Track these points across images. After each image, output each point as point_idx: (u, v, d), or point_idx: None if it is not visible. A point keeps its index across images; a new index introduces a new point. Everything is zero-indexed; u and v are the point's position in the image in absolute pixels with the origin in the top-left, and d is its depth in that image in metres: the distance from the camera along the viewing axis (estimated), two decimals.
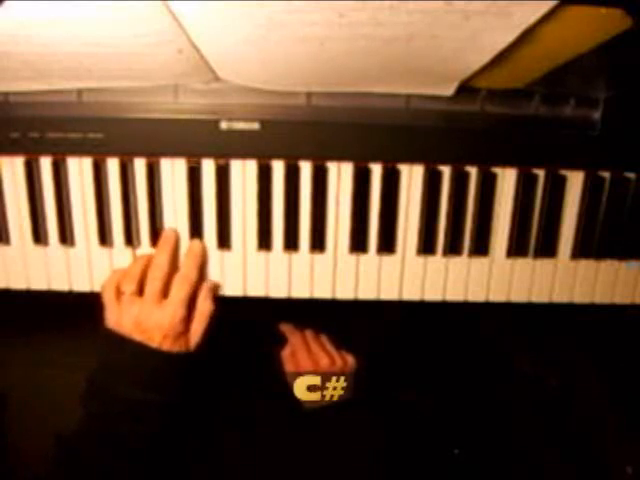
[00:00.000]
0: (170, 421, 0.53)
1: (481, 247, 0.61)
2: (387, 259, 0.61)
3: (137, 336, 0.53)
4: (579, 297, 0.63)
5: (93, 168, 0.58)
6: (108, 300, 0.55)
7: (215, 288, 0.59)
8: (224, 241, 0.60)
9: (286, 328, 0.71)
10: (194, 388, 0.56)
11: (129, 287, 0.54)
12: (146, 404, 0.52)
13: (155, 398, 0.52)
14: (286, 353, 0.69)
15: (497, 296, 0.63)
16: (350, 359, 0.67)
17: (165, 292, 0.55)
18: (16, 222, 0.59)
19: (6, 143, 0.56)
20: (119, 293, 0.55)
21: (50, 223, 0.59)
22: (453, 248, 0.61)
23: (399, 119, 0.59)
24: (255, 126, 0.56)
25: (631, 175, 0.61)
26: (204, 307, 0.57)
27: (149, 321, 0.53)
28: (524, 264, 0.62)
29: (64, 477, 0.51)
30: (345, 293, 0.62)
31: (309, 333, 0.71)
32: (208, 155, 0.58)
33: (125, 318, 0.53)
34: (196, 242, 0.59)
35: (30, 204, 0.59)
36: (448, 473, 0.70)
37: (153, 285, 0.54)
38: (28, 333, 0.74)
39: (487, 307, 0.63)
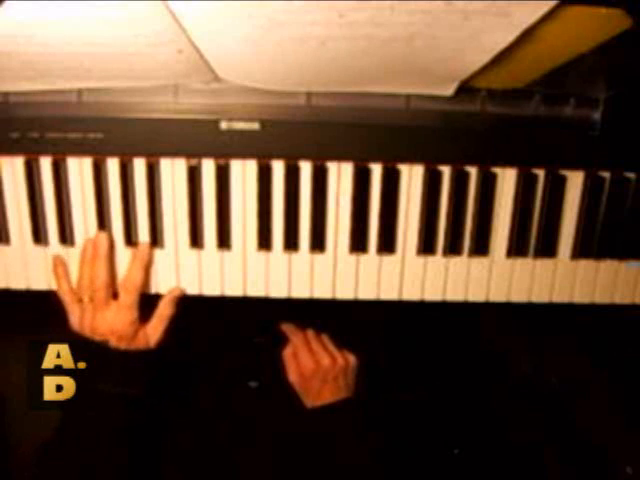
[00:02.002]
0: (138, 413, 0.56)
1: (481, 247, 0.61)
2: (387, 259, 0.61)
3: (97, 338, 0.56)
4: (579, 297, 0.63)
5: (93, 168, 0.58)
6: (68, 305, 0.58)
7: (179, 295, 0.61)
8: (224, 241, 0.60)
9: (287, 328, 0.71)
10: (162, 381, 0.59)
11: (84, 294, 0.57)
12: (113, 397, 0.54)
13: (120, 391, 0.54)
14: (287, 353, 0.69)
15: (497, 296, 0.62)
16: (351, 358, 0.67)
17: (114, 295, 0.57)
18: (16, 222, 0.59)
19: (6, 143, 0.56)
20: (79, 299, 0.57)
21: (50, 223, 0.59)
22: (453, 248, 0.61)
23: (399, 119, 0.59)
24: (255, 126, 0.56)
25: (631, 175, 0.60)
26: (165, 311, 0.59)
27: (103, 325, 0.56)
28: (524, 264, 0.62)
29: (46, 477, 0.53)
30: (345, 293, 0.62)
31: (310, 333, 0.71)
32: (208, 155, 0.58)
33: (85, 323, 0.57)
34: (141, 246, 0.59)
35: (30, 204, 0.59)
36: (448, 473, 0.70)
37: (97, 295, 0.56)
38: (28, 333, 0.74)
39: (487, 307, 0.63)
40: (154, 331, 0.59)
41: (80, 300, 0.57)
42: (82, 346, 0.57)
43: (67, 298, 0.58)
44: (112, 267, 0.58)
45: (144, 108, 0.58)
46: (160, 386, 0.58)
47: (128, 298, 0.57)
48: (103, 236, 0.57)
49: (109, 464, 0.52)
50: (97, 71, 0.52)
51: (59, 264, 0.59)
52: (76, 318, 0.58)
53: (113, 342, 0.56)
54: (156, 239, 0.59)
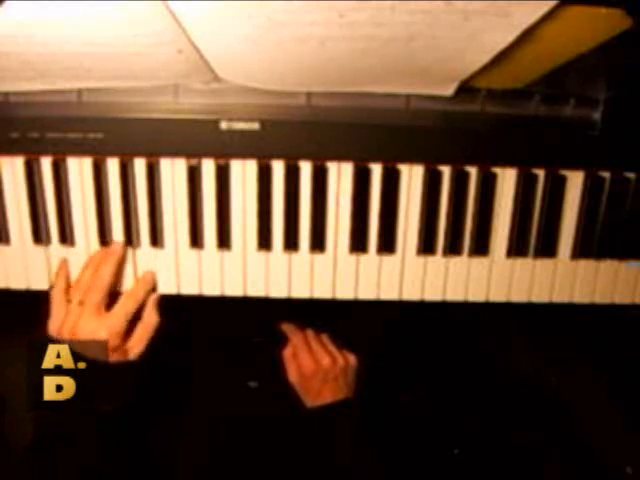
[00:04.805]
0: (115, 428, 0.53)
1: (481, 247, 0.61)
2: (387, 259, 0.61)
3: (74, 346, 0.53)
4: (579, 297, 0.63)
5: (93, 168, 0.58)
6: (56, 303, 0.56)
7: (159, 299, 0.60)
8: (224, 241, 0.60)
9: (287, 328, 0.71)
10: (141, 395, 0.55)
11: (75, 296, 0.55)
12: (85, 412, 0.52)
13: (92, 406, 0.52)
14: (288, 353, 0.69)
15: (497, 296, 0.62)
16: (352, 358, 0.67)
17: (106, 304, 0.55)
18: (16, 222, 0.59)
19: (6, 143, 0.56)
20: (67, 299, 0.55)
21: (50, 223, 0.59)
22: (453, 248, 0.61)
23: (399, 119, 0.59)
24: (255, 126, 0.56)
25: (631, 175, 0.60)
26: (150, 319, 0.58)
27: (85, 333, 0.53)
28: (524, 264, 0.62)
29: None
30: (345, 293, 0.62)
31: (310, 333, 0.71)
32: (208, 155, 0.58)
33: (65, 326, 0.54)
34: (149, 274, 0.59)
35: (30, 204, 0.59)
36: (448, 473, 0.70)
37: (93, 296, 0.54)
38: (28, 333, 0.74)
39: (487, 307, 0.63)
40: (138, 342, 0.57)
41: (69, 301, 0.55)
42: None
43: (58, 297, 0.56)
44: (117, 275, 0.57)
45: (144, 108, 0.58)
46: (140, 398, 0.55)
47: (125, 308, 0.55)
48: (120, 245, 0.58)
49: None
50: (97, 71, 0.52)
51: (64, 265, 0.58)
52: (57, 320, 0.55)
53: (91, 353, 0.53)
54: (156, 239, 0.59)
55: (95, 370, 0.53)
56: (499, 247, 0.61)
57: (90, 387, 0.52)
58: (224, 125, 0.56)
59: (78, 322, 0.53)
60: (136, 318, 0.57)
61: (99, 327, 0.53)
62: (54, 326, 0.55)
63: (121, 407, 0.53)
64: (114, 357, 0.54)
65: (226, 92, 0.58)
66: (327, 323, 0.72)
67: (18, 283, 0.61)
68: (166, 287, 0.61)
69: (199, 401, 0.69)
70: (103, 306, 0.55)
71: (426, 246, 0.60)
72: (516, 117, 0.60)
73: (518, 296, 0.63)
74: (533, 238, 0.61)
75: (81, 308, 0.54)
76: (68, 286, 0.57)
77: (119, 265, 0.57)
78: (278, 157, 0.58)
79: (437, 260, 0.61)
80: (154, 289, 0.60)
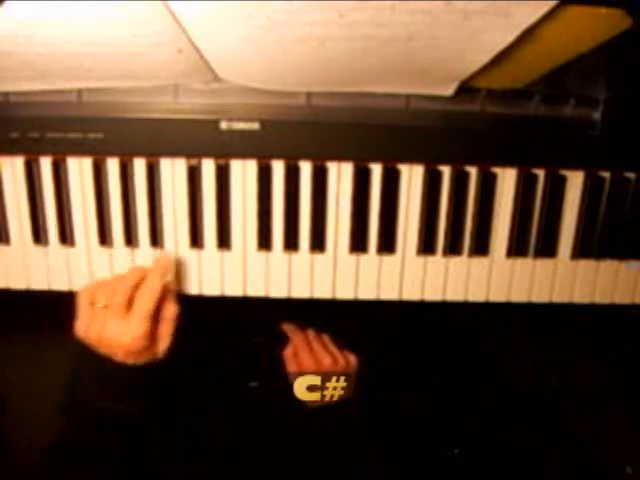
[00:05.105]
0: (144, 426, 0.53)
1: (481, 247, 0.61)
2: (387, 259, 0.61)
3: (102, 349, 0.52)
4: (579, 297, 0.63)
5: (93, 168, 0.58)
6: (82, 307, 0.55)
7: (174, 289, 0.58)
8: (224, 241, 0.60)
9: (288, 328, 0.71)
10: (168, 391, 0.56)
11: (100, 300, 0.54)
12: (116, 413, 0.51)
13: (124, 408, 0.52)
14: (288, 353, 0.68)
15: (497, 296, 0.63)
16: (352, 358, 0.67)
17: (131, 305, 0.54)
18: (16, 222, 0.59)
19: (6, 143, 0.56)
20: (92, 302, 0.54)
21: (50, 223, 0.59)
22: (453, 248, 0.61)
23: (399, 119, 0.59)
24: (255, 126, 0.56)
25: (631, 175, 0.60)
26: (169, 311, 0.56)
27: (112, 337, 0.52)
28: (524, 264, 0.62)
29: None
30: (345, 293, 0.62)
31: (311, 333, 0.70)
32: (208, 155, 0.58)
33: (92, 331, 0.53)
34: (163, 254, 0.58)
35: (30, 204, 0.59)
36: (448, 473, 0.70)
37: (116, 298, 0.53)
38: (28, 333, 0.74)
39: (487, 307, 0.63)
40: (163, 337, 0.55)
41: (93, 304, 0.54)
42: (83, 355, 0.54)
43: (83, 299, 0.54)
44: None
45: (144, 108, 0.58)
46: (162, 399, 0.56)
47: (143, 306, 0.53)
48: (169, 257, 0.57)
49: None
50: (97, 71, 0.52)
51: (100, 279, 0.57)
52: (84, 322, 0.53)
53: (119, 356, 0.52)
54: (156, 239, 0.59)
55: (122, 372, 0.52)
56: (499, 247, 0.62)
57: (118, 389, 0.52)
58: (224, 125, 0.56)
59: (104, 326, 0.52)
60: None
61: (124, 333, 0.52)
62: (81, 330, 0.54)
63: (146, 408, 0.53)
64: (144, 358, 0.53)
65: (226, 92, 0.58)
66: (327, 323, 0.72)
67: (18, 283, 0.61)
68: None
69: (199, 401, 0.69)
70: (126, 309, 0.53)
71: (426, 246, 0.60)
72: (516, 117, 0.60)
73: (518, 296, 0.63)
74: (533, 238, 0.61)
75: (105, 312, 0.53)
76: (96, 289, 0.55)
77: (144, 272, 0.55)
78: (278, 157, 0.58)
79: (437, 260, 0.61)
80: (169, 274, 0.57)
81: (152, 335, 0.54)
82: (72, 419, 0.53)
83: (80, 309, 0.55)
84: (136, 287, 0.54)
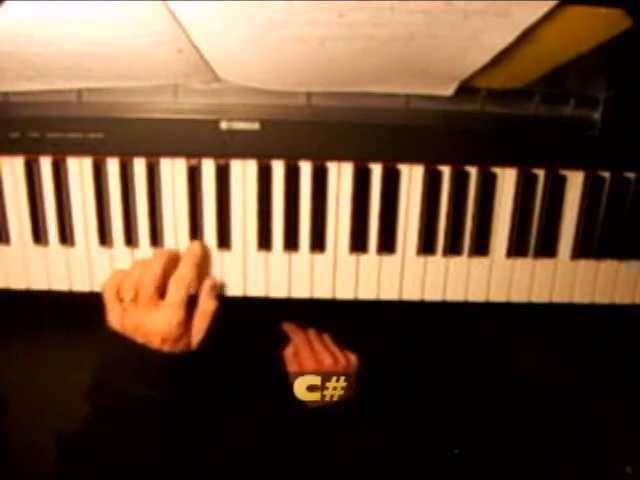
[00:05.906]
0: (174, 416, 0.54)
1: (481, 247, 0.61)
2: (387, 259, 0.61)
3: (138, 339, 0.53)
4: (579, 297, 0.63)
5: (93, 168, 0.58)
6: (110, 302, 0.55)
7: (217, 286, 0.59)
8: (224, 241, 0.60)
9: (289, 327, 0.71)
10: (198, 383, 0.57)
11: (128, 294, 0.54)
12: (150, 400, 0.53)
13: (159, 395, 0.53)
14: (289, 353, 0.68)
15: (497, 296, 0.63)
16: (353, 358, 0.67)
17: (162, 294, 0.55)
18: (16, 222, 0.59)
19: (6, 143, 0.56)
20: (120, 297, 0.55)
21: (50, 223, 0.59)
22: (453, 248, 0.61)
23: (399, 119, 0.59)
24: (255, 126, 0.56)
25: (631, 175, 0.60)
26: (207, 306, 0.57)
27: (146, 326, 0.53)
28: (524, 264, 0.62)
29: (71, 475, 0.52)
30: (345, 293, 0.62)
31: (312, 332, 0.71)
32: (208, 155, 0.58)
33: (126, 322, 0.54)
34: (195, 243, 0.58)
35: (30, 204, 0.59)
36: (448, 473, 0.70)
37: (144, 290, 0.53)
38: (28, 333, 0.74)
39: (487, 307, 0.63)
40: (198, 330, 0.56)
41: (121, 300, 0.55)
42: (118, 344, 0.54)
43: (109, 295, 0.55)
44: (174, 265, 0.56)
45: (144, 108, 0.58)
46: (196, 388, 0.57)
47: (177, 295, 0.54)
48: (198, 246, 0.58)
49: (138, 467, 0.51)
50: (97, 71, 0.52)
51: (119, 270, 0.57)
52: (115, 317, 0.55)
53: (156, 344, 0.53)
54: (156, 239, 0.59)
55: (158, 359, 0.53)
56: (499, 247, 0.62)
57: (153, 376, 0.53)
58: (224, 125, 0.56)
59: (137, 319, 0.53)
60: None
61: (158, 321, 0.53)
62: (114, 322, 0.55)
63: (181, 397, 0.54)
64: (179, 346, 0.54)
65: (226, 92, 0.58)
66: (327, 323, 0.72)
67: (18, 283, 0.61)
68: None
69: (198, 401, 0.69)
70: (156, 298, 0.54)
71: (426, 246, 0.60)
72: (516, 117, 0.60)
73: (518, 296, 0.63)
74: (533, 238, 0.61)
75: (135, 304, 0.54)
76: (120, 282, 0.56)
77: (174, 259, 0.56)
78: (278, 157, 0.58)
79: (437, 260, 0.61)
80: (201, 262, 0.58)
81: (188, 323, 0.55)
82: (102, 405, 0.53)
83: (108, 305, 0.56)
84: (164, 274, 0.54)
